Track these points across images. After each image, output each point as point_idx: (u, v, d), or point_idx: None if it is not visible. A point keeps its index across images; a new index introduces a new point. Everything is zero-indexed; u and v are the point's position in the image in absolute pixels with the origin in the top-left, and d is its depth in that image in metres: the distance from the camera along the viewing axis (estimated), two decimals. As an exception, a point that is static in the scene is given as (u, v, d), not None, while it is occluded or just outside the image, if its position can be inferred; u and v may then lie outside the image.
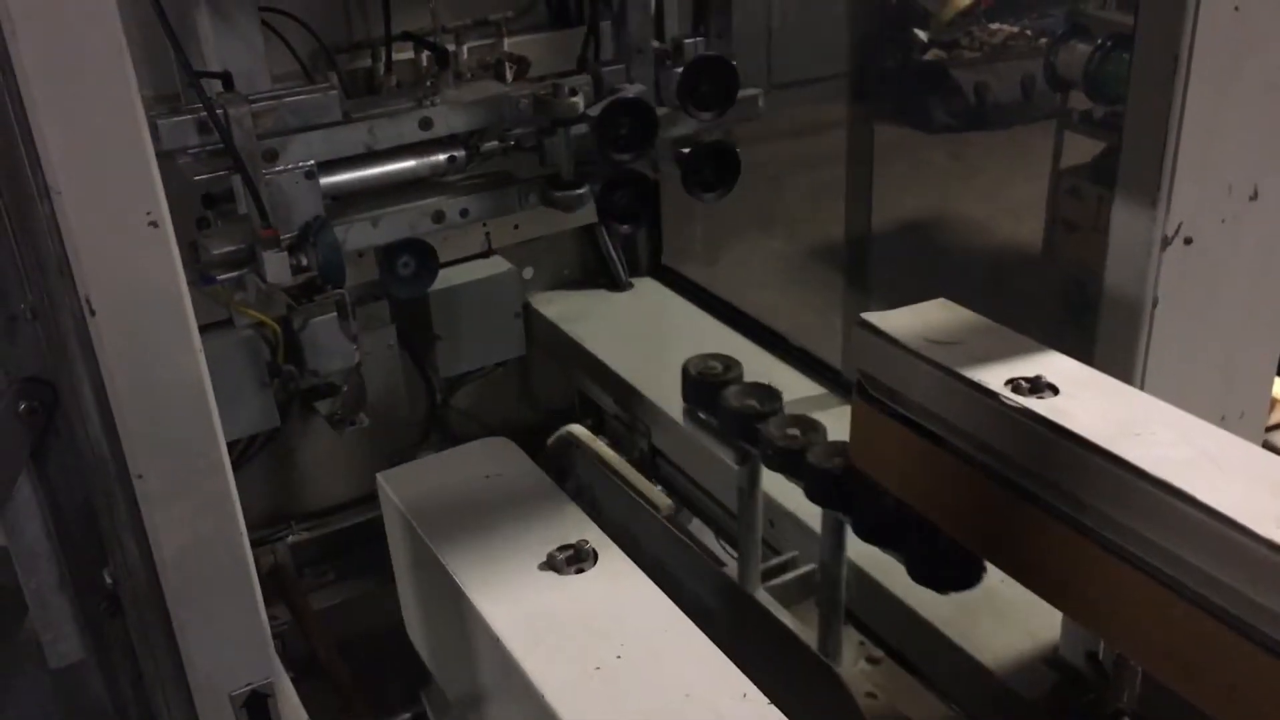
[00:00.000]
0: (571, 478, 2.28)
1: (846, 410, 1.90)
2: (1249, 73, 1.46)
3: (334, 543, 2.66)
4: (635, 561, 1.27)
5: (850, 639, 1.91)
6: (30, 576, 1.13)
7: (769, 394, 1.81)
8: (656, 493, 2.13)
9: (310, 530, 2.66)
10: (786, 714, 1.05)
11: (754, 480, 1.86)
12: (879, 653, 1.92)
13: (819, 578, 1.82)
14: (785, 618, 1.85)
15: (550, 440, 2.42)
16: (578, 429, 2.40)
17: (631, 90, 2.07)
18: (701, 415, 1.88)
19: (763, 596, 1.91)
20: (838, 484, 1.64)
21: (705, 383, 1.86)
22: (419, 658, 1.72)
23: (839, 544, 1.75)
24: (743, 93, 2.11)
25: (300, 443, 2.64)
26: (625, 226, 2.14)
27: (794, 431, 1.73)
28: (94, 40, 0.90)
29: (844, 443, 1.68)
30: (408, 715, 1.98)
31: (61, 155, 0.93)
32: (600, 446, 2.26)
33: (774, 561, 2.05)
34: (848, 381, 2.45)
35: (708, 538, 2.36)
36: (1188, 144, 1.46)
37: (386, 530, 1.46)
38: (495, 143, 2.08)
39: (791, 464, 1.71)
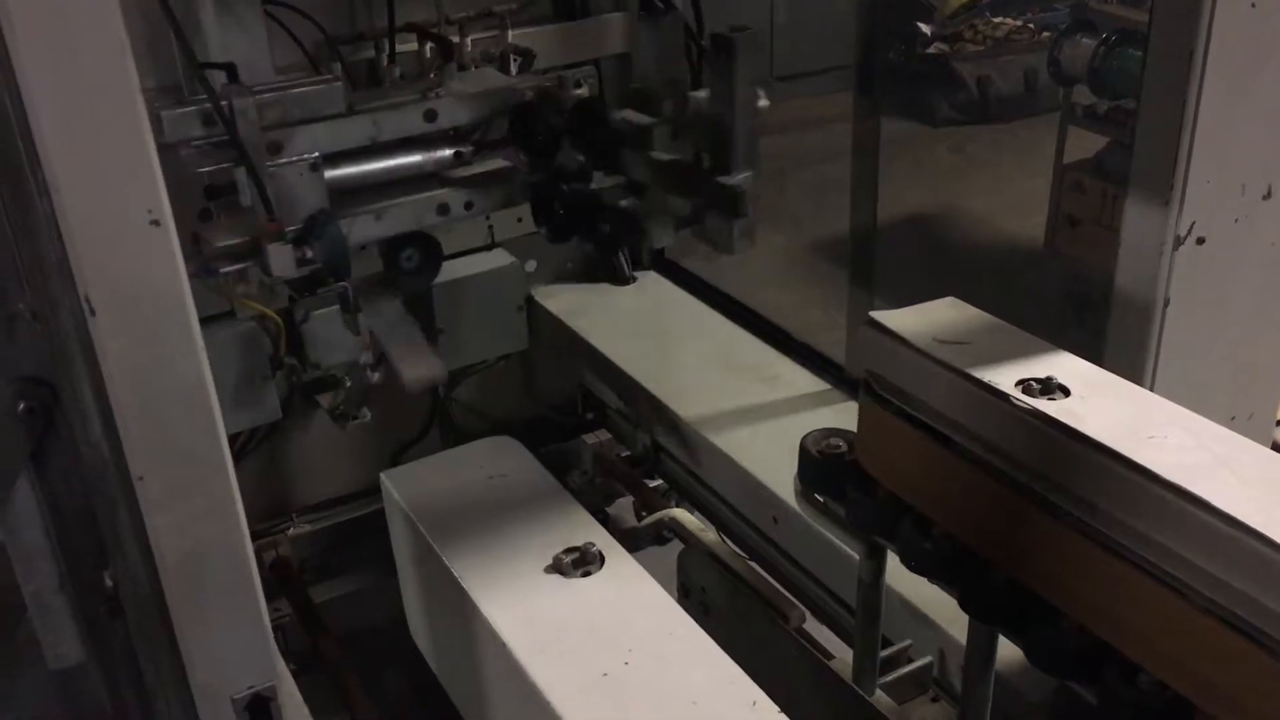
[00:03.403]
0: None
1: (850, 407, 1.88)
2: (1265, 71, 1.44)
3: (335, 536, 2.65)
4: (753, 675, 1.15)
5: None
6: (29, 579, 1.11)
7: None
8: (773, 589, 1.89)
9: (311, 523, 2.65)
10: None
11: (879, 576, 1.64)
12: None
13: (963, 694, 1.59)
14: (881, 700, 1.68)
15: (648, 519, 2.21)
16: (681, 514, 2.15)
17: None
18: (820, 498, 1.64)
19: (882, 702, 1.69)
20: (1006, 600, 1.40)
21: (829, 463, 1.61)
22: (420, 651, 1.70)
23: (989, 661, 1.53)
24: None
25: (302, 436, 2.62)
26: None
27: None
28: (94, 35, 0.88)
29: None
30: None
31: (61, 152, 0.91)
32: (709, 536, 2.01)
33: (886, 652, 1.78)
34: (851, 378, 2.43)
35: (710, 532, 2.32)
36: (1202, 143, 1.44)
37: (390, 530, 1.45)
38: (501, 135, 2.06)
39: (944, 570, 1.47)
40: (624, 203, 2.02)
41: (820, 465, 1.61)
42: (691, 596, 1.63)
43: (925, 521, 1.48)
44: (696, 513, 2.33)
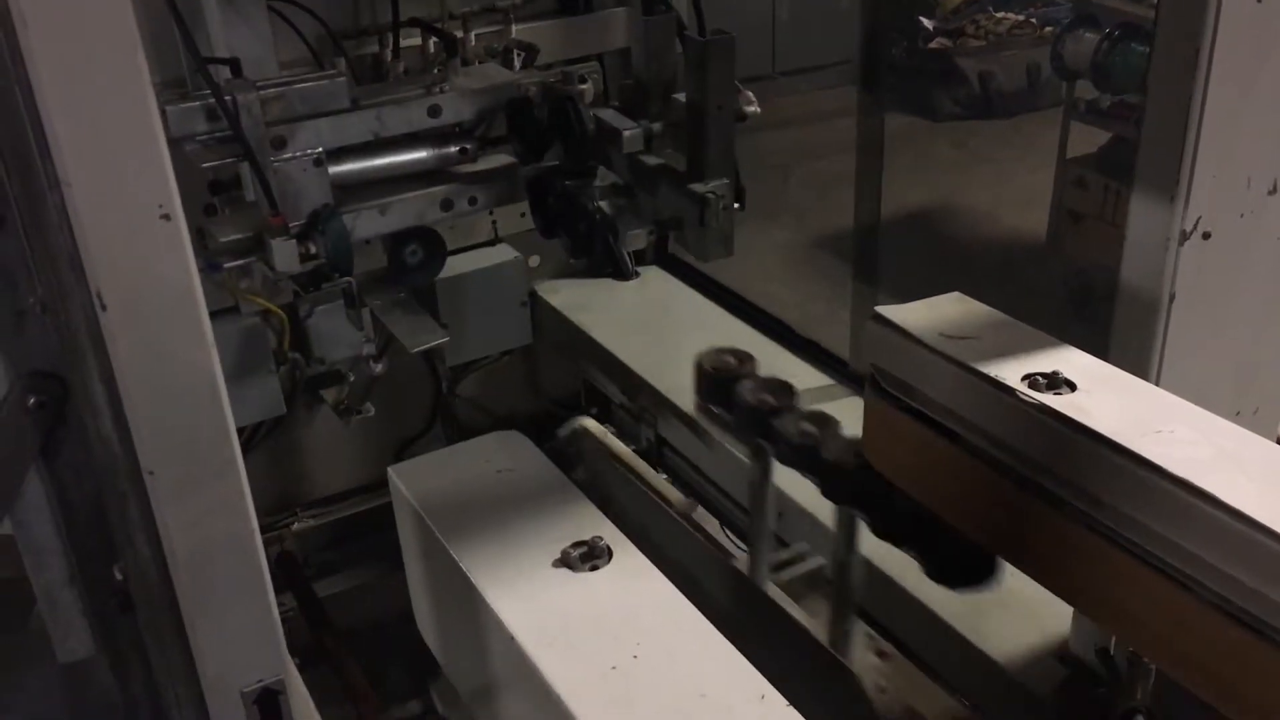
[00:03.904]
0: (580, 468, 2.25)
1: (854, 402, 1.89)
2: (1271, 65, 1.44)
3: (340, 530, 2.66)
4: (648, 556, 1.27)
5: (859, 633, 1.87)
6: (39, 573, 1.12)
7: (784, 389, 1.77)
8: (669, 487, 2.10)
9: (316, 518, 2.65)
10: (799, 708, 1.03)
11: (766, 475, 1.84)
12: (888, 647, 1.90)
13: (831, 573, 1.80)
14: (795, 611, 1.83)
15: (560, 431, 2.39)
16: (589, 422, 2.37)
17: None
18: (715, 410, 1.84)
19: (773, 591, 1.87)
20: (853, 482, 1.62)
21: (719, 377, 1.82)
22: (425, 645, 1.71)
23: (852, 541, 1.73)
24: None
25: (306, 430, 2.62)
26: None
27: (809, 428, 1.70)
28: (106, 29, 0.88)
29: (859, 439, 1.63)
30: (417, 707, 1.97)
31: (72, 147, 0.91)
32: (612, 440, 2.23)
33: (784, 555, 2.01)
34: (855, 373, 2.43)
35: (712, 526, 2.34)
36: (1208, 137, 1.44)
37: (398, 525, 1.45)
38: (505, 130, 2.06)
39: (806, 460, 1.68)
40: (601, 204, 2.01)
41: (714, 380, 1.81)
42: (594, 495, 1.70)
43: (796, 418, 1.71)
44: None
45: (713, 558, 1.69)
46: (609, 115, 1.96)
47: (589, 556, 1.20)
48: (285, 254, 1.79)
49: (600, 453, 2.12)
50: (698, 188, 1.79)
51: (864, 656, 1.86)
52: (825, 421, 1.72)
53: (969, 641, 1.82)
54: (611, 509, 1.72)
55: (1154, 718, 1.54)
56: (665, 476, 2.27)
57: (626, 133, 1.89)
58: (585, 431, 2.27)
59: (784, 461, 1.74)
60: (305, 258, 1.82)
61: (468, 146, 2.04)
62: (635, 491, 1.83)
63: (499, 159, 2.12)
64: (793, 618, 1.75)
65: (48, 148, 0.92)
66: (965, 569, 1.52)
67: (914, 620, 1.88)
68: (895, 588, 1.88)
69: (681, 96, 1.86)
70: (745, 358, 1.83)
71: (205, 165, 1.79)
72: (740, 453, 1.83)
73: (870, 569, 1.86)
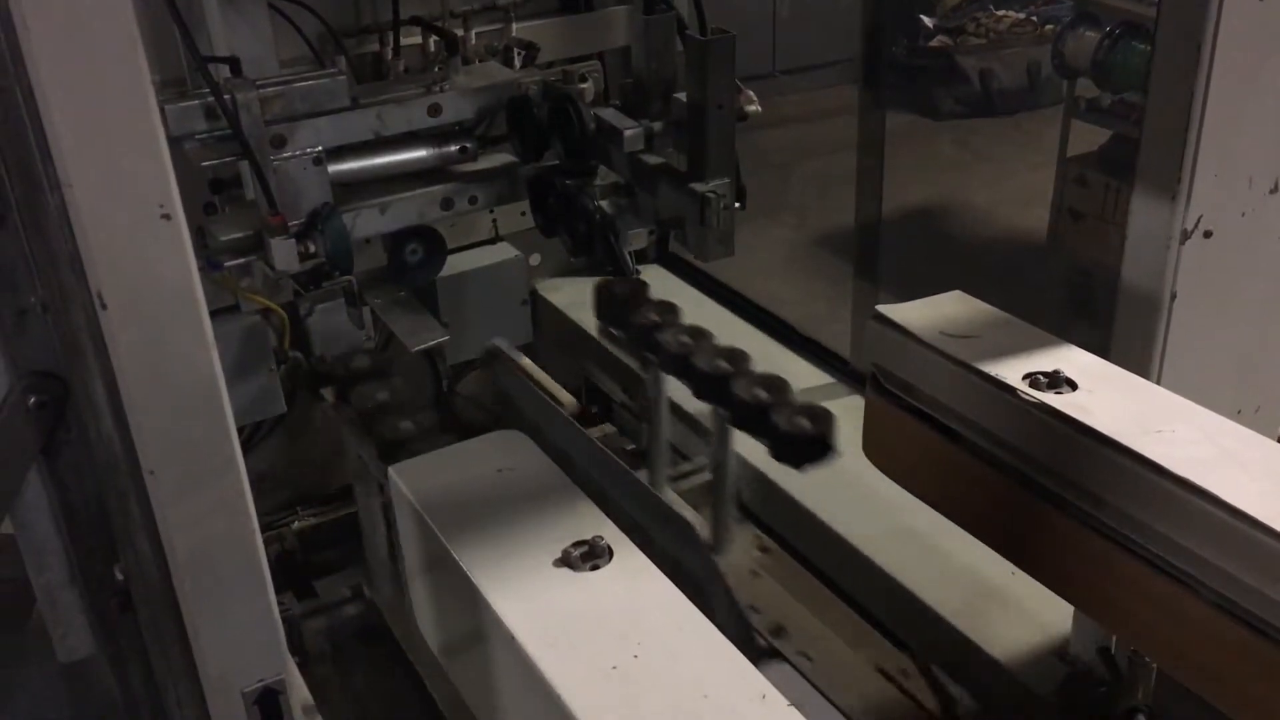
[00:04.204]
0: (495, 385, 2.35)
1: (855, 400, 1.89)
2: (1273, 63, 1.44)
3: (340, 528, 2.65)
4: (544, 449, 1.40)
5: (746, 533, 2.14)
6: (40, 572, 1.12)
7: (669, 309, 2.03)
8: (564, 393, 2.32)
9: (316, 516, 2.65)
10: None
11: (658, 385, 2.11)
12: (770, 543, 2.17)
13: (712, 469, 2.07)
14: (673, 499, 2.07)
15: (481, 354, 2.52)
16: (501, 342, 2.55)
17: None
18: (613, 331, 2.12)
19: (669, 495, 2.09)
20: (718, 383, 1.84)
21: (617, 301, 2.08)
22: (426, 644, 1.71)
23: (725, 439, 2.01)
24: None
25: (306, 429, 2.62)
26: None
27: (686, 339, 1.95)
28: (107, 32, 0.88)
29: (731, 347, 1.90)
30: (347, 591, 2.15)
31: (72, 147, 0.91)
32: (518, 355, 2.42)
33: (685, 467, 2.29)
34: (856, 372, 2.43)
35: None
36: (1209, 136, 1.44)
37: (398, 524, 1.45)
38: (505, 129, 2.06)
39: (683, 367, 1.92)
40: (601, 203, 2.02)
41: (611, 304, 2.08)
42: (498, 403, 1.93)
43: (676, 332, 1.97)
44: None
45: (597, 452, 1.72)
46: (609, 114, 1.96)
47: (590, 556, 1.20)
48: (285, 253, 1.78)
49: (507, 367, 2.31)
50: (698, 187, 1.79)
51: (747, 550, 2.16)
52: (702, 334, 1.96)
53: (970, 640, 1.83)
54: (518, 415, 1.91)
55: (1155, 717, 1.54)
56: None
57: (627, 132, 1.90)
58: (498, 350, 2.45)
59: (667, 370, 1.98)
60: (305, 256, 1.81)
61: (468, 145, 2.04)
62: (535, 397, 2.00)
63: (499, 158, 2.12)
64: (649, 489, 1.78)
65: (48, 148, 0.92)
66: (803, 450, 1.72)
67: (793, 519, 2.15)
68: (779, 490, 2.15)
69: (682, 96, 1.86)
70: (639, 285, 2.12)
71: (205, 164, 1.78)
72: (635, 366, 2.19)
73: (760, 476, 2.16)
